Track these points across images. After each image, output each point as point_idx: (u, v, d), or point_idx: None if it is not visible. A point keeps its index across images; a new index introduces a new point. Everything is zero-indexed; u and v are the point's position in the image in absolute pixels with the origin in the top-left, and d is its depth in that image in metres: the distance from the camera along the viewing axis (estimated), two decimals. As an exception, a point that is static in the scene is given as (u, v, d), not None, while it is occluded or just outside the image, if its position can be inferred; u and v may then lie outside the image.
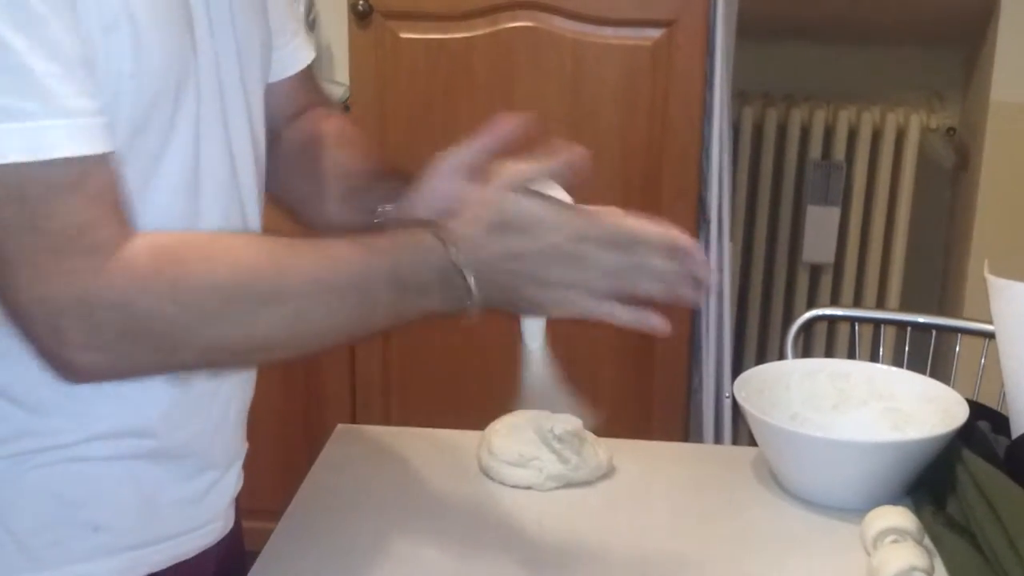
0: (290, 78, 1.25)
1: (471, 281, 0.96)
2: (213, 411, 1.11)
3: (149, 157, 0.97)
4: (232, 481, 1.17)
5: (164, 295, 0.90)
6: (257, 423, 1.22)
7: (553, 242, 0.98)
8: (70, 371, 0.92)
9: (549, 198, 1.00)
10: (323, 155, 1.24)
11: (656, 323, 1.03)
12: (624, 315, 1.02)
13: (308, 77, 1.29)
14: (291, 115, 1.27)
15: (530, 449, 1.31)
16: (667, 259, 1.01)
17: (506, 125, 1.06)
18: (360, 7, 2.37)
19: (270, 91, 1.21)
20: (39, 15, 0.85)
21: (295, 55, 1.25)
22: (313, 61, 1.29)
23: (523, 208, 0.98)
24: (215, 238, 0.97)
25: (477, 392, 2.40)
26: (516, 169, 1.01)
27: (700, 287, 1.03)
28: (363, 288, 0.96)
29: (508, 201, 0.99)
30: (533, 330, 1.11)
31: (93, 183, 0.88)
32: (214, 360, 0.99)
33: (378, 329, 1.00)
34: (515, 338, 1.11)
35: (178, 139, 0.98)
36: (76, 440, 1.01)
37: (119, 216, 0.91)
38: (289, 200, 1.26)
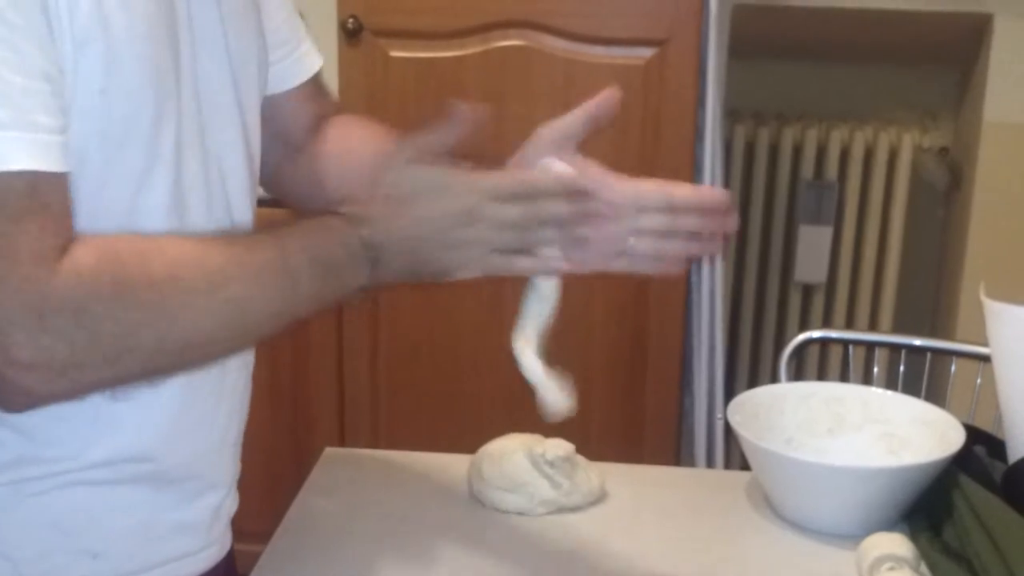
0: (300, 87, 1.25)
1: (366, 249, 0.99)
2: (213, 433, 1.11)
3: (134, 176, 0.96)
4: (230, 503, 1.17)
5: (110, 297, 0.89)
6: (245, 445, 1.21)
7: (455, 204, 1.01)
8: (18, 394, 0.89)
9: (443, 166, 1.03)
10: (356, 149, 1.25)
11: (559, 265, 1.07)
12: (526, 264, 1.06)
13: (318, 85, 1.29)
14: (309, 124, 1.27)
15: (521, 474, 1.30)
16: (565, 203, 1.04)
17: (605, 100, 1.11)
18: (350, 25, 2.37)
19: (281, 103, 1.22)
20: (11, 25, 0.85)
21: (301, 64, 1.26)
22: (321, 69, 1.29)
23: (416, 177, 1.02)
24: (153, 236, 0.97)
25: (467, 416, 2.39)
26: (408, 141, 1.04)
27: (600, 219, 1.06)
28: (285, 269, 0.97)
29: (402, 173, 1.02)
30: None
31: (45, 197, 0.88)
32: (159, 364, 0.96)
33: (306, 311, 1.01)
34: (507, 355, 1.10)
35: (161, 155, 0.98)
36: (74, 467, 1.01)
37: (68, 227, 0.90)
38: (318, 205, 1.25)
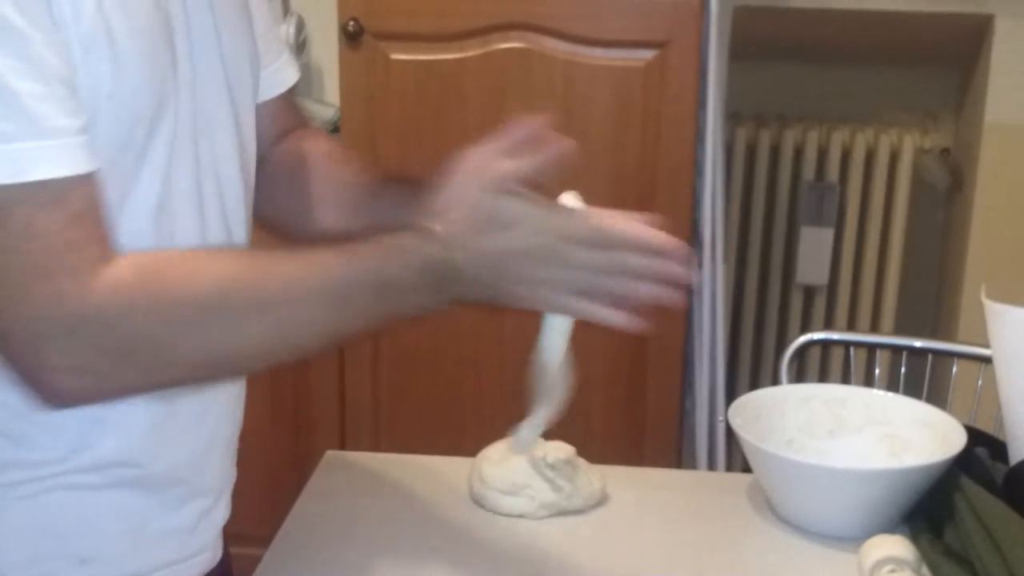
0: (275, 99, 1.25)
1: (461, 274, 0.97)
2: (200, 438, 1.10)
3: (125, 178, 0.96)
4: (222, 510, 1.16)
5: (148, 313, 0.90)
6: (245, 448, 1.21)
7: (536, 241, 0.99)
8: (52, 395, 0.91)
9: (532, 198, 1.01)
10: (313, 170, 1.24)
11: (632, 323, 1.04)
12: (602, 313, 1.03)
13: (292, 98, 1.29)
14: (276, 136, 1.26)
15: (522, 477, 1.30)
16: (646, 258, 1.02)
17: (525, 127, 1.06)
18: (351, 28, 2.37)
19: (258, 114, 1.20)
20: (21, 34, 0.84)
21: (280, 75, 1.25)
22: (296, 83, 1.29)
23: (507, 208, 0.99)
24: (196, 254, 0.97)
25: (468, 419, 2.39)
26: (501, 168, 1.01)
27: (682, 287, 1.04)
28: (346, 293, 0.96)
29: (492, 201, 1.00)
30: (554, 345, 1.11)
31: (75, 203, 0.88)
32: (201, 374, 0.99)
33: (364, 330, 1.01)
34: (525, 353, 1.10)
35: (151, 161, 0.98)
36: (60, 471, 1.00)
37: (101, 235, 0.90)
38: (275, 217, 1.25)
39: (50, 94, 0.86)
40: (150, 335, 0.90)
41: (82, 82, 0.89)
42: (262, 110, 1.22)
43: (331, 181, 1.24)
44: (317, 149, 1.26)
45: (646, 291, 1.02)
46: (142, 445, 1.04)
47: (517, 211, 0.99)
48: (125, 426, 1.02)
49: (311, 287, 0.95)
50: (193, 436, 1.09)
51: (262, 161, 1.22)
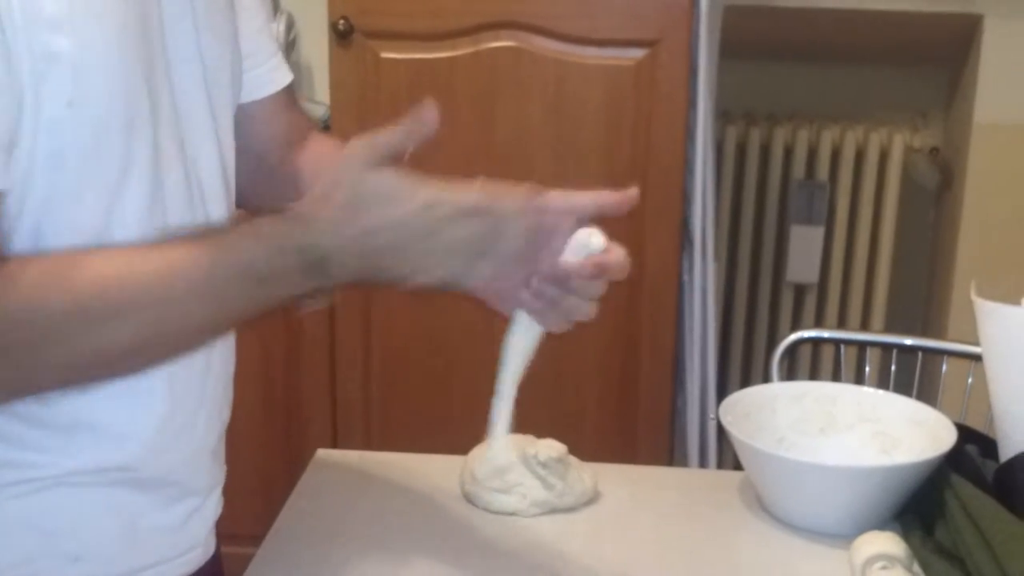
0: (270, 99, 1.24)
1: (329, 258, 0.95)
2: (194, 438, 1.11)
3: (108, 189, 0.96)
4: (212, 507, 1.17)
5: (14, 313, 0.89)
6: (237, 447, 1.21)
7: (405, 214, 0.96)
8: None
9: (400, 173, 0.98)
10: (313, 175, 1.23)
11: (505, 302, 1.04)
12: (478, 286, 1.01)
13: (289, 99, 1.28)
14: (282, 140, 1.26)
15: (514, 475, 1.30)
16: (522, 222, 0.99)
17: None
18: (341, 27, 2.36)
19: (250, 112, 1.20)
20: None
21: (272, 75, 1.25)
22: (292, 83, 1.28)
23: (373, 184, 0.96)
24: (71, 256, 0.95)
25: (459, 417, 2.39)
26: (364, 144, 0.99)
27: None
28: (216, 286, 0.94)
29: (358, 178, 0.97)
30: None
31: None
32: (71, 378, 0.97)
33: (241, 320, 0.99)
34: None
35: (137, 170, 0.97)
36: (55, 473, 1.00)
37: None
38: None
39: None
40: (17, 335, 0.89)
41: (34, 93, 0.89)
42: (258, 111, 1.22)
43: None
44: (320, 153, 1.25)
45: (527, 254, 1.00)
46: (140, 450, 1.04)
47: (384, 186, 0.96)
48: (124, 431, 1.02)
49: (182, 279, 0.93)
50: (188, 439, 1.10)
51: (277, 169, 1.23)
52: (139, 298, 0.92)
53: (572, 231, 1.06)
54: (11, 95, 0.88)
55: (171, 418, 1.06)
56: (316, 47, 2.65)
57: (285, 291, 0.97)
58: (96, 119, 0.93)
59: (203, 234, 0.96)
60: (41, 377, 0.93)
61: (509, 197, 1.00)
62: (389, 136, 0.98)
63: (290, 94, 1.28)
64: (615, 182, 1.03)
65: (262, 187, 1.23)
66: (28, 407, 0.97)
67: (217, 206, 1.09)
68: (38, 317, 0.90)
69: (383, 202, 0.96)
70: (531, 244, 1.00)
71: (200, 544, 1.15)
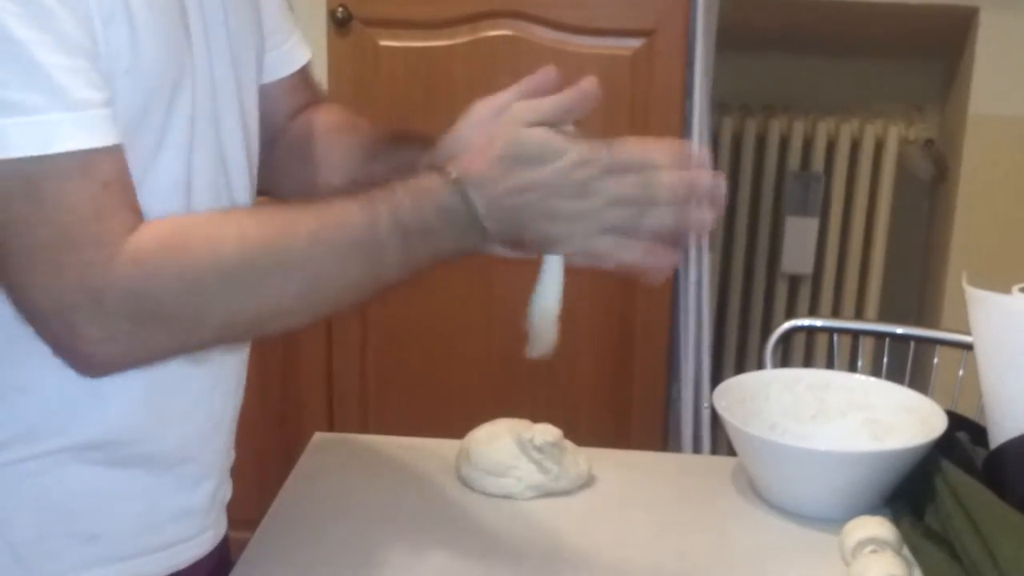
0: (287, 78, 1.26)
1: (480, 214, 0.95)
2: (209, 415, 1.12)
3: (145, 155, 0.97)
4: (225, 488, 1.17)
5: (173, 281, 0.90)
6: (235, 432, 1.21)
7: (559, 172, 0.95)
8: (88, 365, 0.92)
9: (554, 131, 0.97)
10: (321, 139, 1.24)
11: (667, 264, 0.99)
12: (633, 254, 0.98)
13: (305, 77, 1.29)
14: (290, 114, 1.27)
15: (509, 458, 1.31)
16: (675, 174, 0.97)
17: (545, 76, 1.04)
18: (339, 14, 2.37)
19: (268, 92, 1.22)
20: (46, 8, 0.85)
21: (291, 55, 1.26)
22: (309, 61, 1.29)
23: (527, 140, 0.96)
24: (216, 217, 0.97)
25: (456, 401, 2.40)
26: (524, 105, 0.99)
27: (711, 202, 0.98)
28: (368, 240, 0.94)
29: (513, 135, 0.97)
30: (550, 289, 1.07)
31: (102, 174, 0.88)
32: (230, 335, 0.99)
33: (393, 280, 0.98)
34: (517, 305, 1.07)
35: (172, 138, 0.99)
36: (65, 446, 1.01)
37: (129, 205, 0.91)
38: (288, 191, 1.25)
39: (75, 67, 0.86)
40: (176, 302, 0.90)
41: (102, 57, 0.90)
42: (275, 90, 1.23)
43: (338, 147, 1.23)
44: (326, 120, 1.26)
45: (678, 214, 0.97)
46: (146, 420, 1.04)
47: (537, 144, 0.96)
48: (122, 400, 1.02)
49: (334, 240, 0.94)
50: (203, 413, 1.10)
51: (276, 139, 1.23)
52: (295, 256, 0.93)
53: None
54: (98, 55, 0.89)
55: (182, 390, 1.06)
56: (314, 35, 2.65)
57: (433, 248, 0.97)
58: (146, 88, 0.94)
59: (358, 191, 0.96)
60: (198, 338, 0.94)
61: (658, 151, 0.98)
62: (552, 102, 0.98)
63: (307, 70, 1.29)
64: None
65: (264, 157, 1.23)
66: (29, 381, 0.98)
67: (240, 183, 1.10)
68: (201, 280, 0.90)
69: (535, 160, 0.95)
70: (682, 200, 0.97)
71: (213, 525, 1.16)
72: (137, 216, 0.91)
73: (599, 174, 0.95)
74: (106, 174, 0.89)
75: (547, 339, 1.07)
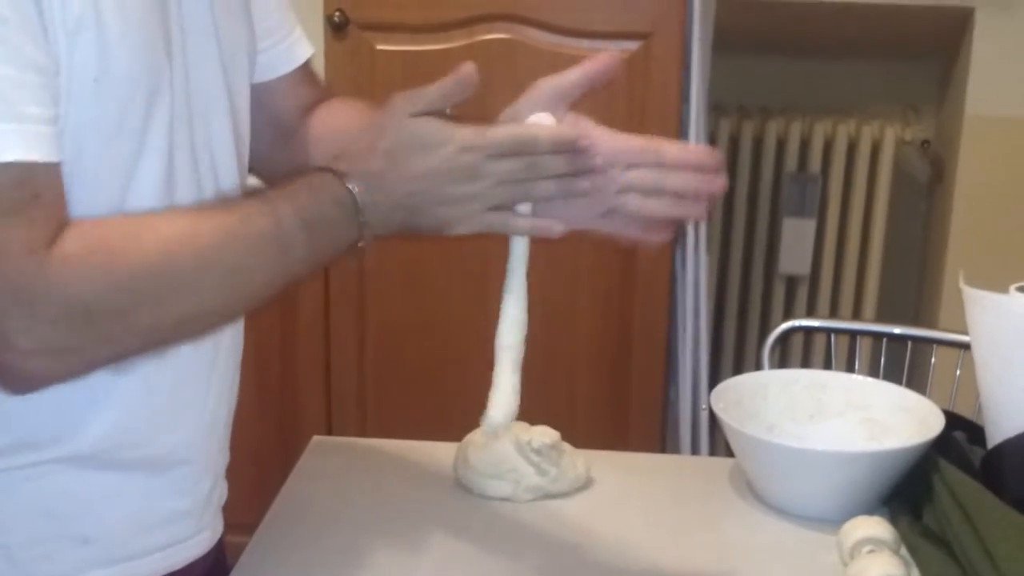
0: (291, 74, 1.26)
1: (360, 206, 0.98)
2: (203, 417, 1.11)
3: (124, 164, 0.97)
4: (220, 490, 1.17)
5: (100, 281, 0.90)
6: (232, 434, 1.21)
7: (443, 158, 0.99)
8: (17, 379, 0.92)
9: (438, 118, 1.01)
10: (343, 130, 1.24)
11: (553, 228, 1.05)
12: (522, 225, 1.04)
13: (309, 73, 1.29)
14: (300, 111, 1.27)
15: (508, 461, 1.31)
16: (559, 157, 1.02)
17: (598, 65, 1.08)
18: (336, 19, 2.37)
19: (272, 89, 1.22)
20: (2, 19, 0.85)
21: (292, 51, 1.26)
22: (310, 57, 1.30)
23: (410, 130, 1.00)
24: (138, 219, 0.97)
25: (454, 403, 2.40)
26: (407, 97, 1.02)
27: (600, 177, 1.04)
28: (275, 234, 0.97)
29: (399, 125, 1.00)
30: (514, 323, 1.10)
31: (35, 187, 0.88)
32: (159, 338, 0.98)
33: (302, 273, 1.01)
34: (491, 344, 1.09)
35: (152, 143, 0.99)
36: (63, 454, 1.01)
37: (58, 218, 0.91)
38: None
39: (24, 81, 0.87)
40: (105, 302, 0.90)
41: (67, 67, 0.90)
42: (279, 86, 1.24)
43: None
44: (345, 113, 1.27)
45: (564, 190, 1.03)
46: (141, 425, 1.04)
47: (430, 132, 1.00)
48: (118, 406, 1.02)
49: (243, 234, 0.96)
50: (198, 415, 1.10)
51: (290, 136, 1.24)
52: (212, 251, 0.94)
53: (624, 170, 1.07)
54: (52, 71, 0.89)
55: (176, 393, 1.06)
56: (311, 38, 2.62)
57: (343, 241, 1.00)
58: (119, 95, 0.94)
59: (263, 191, 0.99)
60: (127, 343, 0.95)
61: (547, 133, 1.02)
62: (430, 92, 1.01)
63: (309, 66, 1.29)
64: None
65: (279, 157, 1.25)
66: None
67: (229, 184, 1.10)
68: (127, 277, 0.91)
69: (422, 148, 0.99)
70: (575, 177, 1.03)
71: (208, 527, 1.16)
72: (63, 223, 0.91)
73: (485, 157, 1.00)
74: (39, 187, 0.89)
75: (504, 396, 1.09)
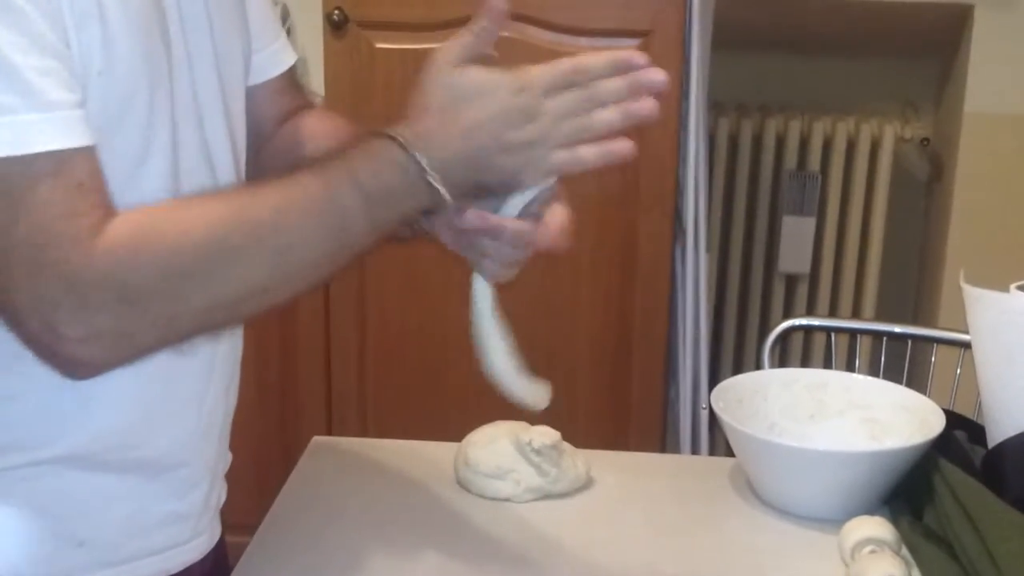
0: (273, 81, 1.25)
1: (429, 169, 0.94)
2: (200, 419, 1.11)
3: (130, 160, 0.97)
4: (218, 493, 1.17)
5: (150, 267, 0.89)
6: (232, 435, 1.21)
7: (497, 105, 0.95)
8: (72, 366, 0.91)
9: (486, 66, 0.97)
10: (308, 147, 1.23)
11: (624, 148, 1.00)
12: (592, 154, 0.99)
13: (291, 80, 1.29)
14: (278, 118, 1.27)
15: (508, 461, 1.31)
16: (616, 80, 0.98)
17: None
18: (335, 17, 2.37)
19: (254, 95, 1.21)
20: (18, 9, 0.85)
21: (276, 58, 1.25)
22: (296, 64, 1.29)
23: (456, 82, 0.96)
24: (183, 202, 0.96)
25: (454, 404, 2.40)
26: (447, 48, 0.99)
27: (655, 94, 1.00)
28: (331, 208, 0.94)
29: (446, 80, 0.97)
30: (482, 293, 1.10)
31: (75, 174, 0.88)
32: (212, 320, 0.96)
33: (362, 246, 0.97)
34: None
35: (157, 142, 0.99)
36: (57, 455, 1.01)
37: (102, 203, 0.91)
38: None
39: (48, 68, 0.87)
40: (155, 288, 0.90)
41: (75, 58, 0.90)
42: (260, 92, 1.22)
43: (317, 144, 1.22)
44: (313, 128, 1.25)
45: (625, 112, 0.99)
46: (135, 425, 1.04)
47: (479, 80, 0.96)
48: (111, 407, 1.02)
49: (298, 209, 0.93)
50: (194, 417, 1.10)
51: (263, 145, 1.23)
52: (264, 227, 0.92)
53: None
54: (71, 57, 0.89)
55: (172, 394, 1.06)
56: (311, 37, 2.65)
57: (408, 209, 0.97)
58: (122, 88, 0.94)
59: (319, 162, 0.96)
60: (181, 326, 0.93)
61: (597, 56, 0.98)
62: (466, 38, 0.98)
63: (293, 74, 1.29)
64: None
65: (250, 163, 1.22)
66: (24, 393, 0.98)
67: (227, 184, 1.10)
68: (176, 262, 0.90)
69: (474, 98, 0.95)
70: (635, 102, 0.99)
71: (205, 531, 1.15)
72: (111, 213, 0.91)
73: (540, 95, 0.96)
74: (79, 174, 0.88)
75: (528, 392, 1.10)
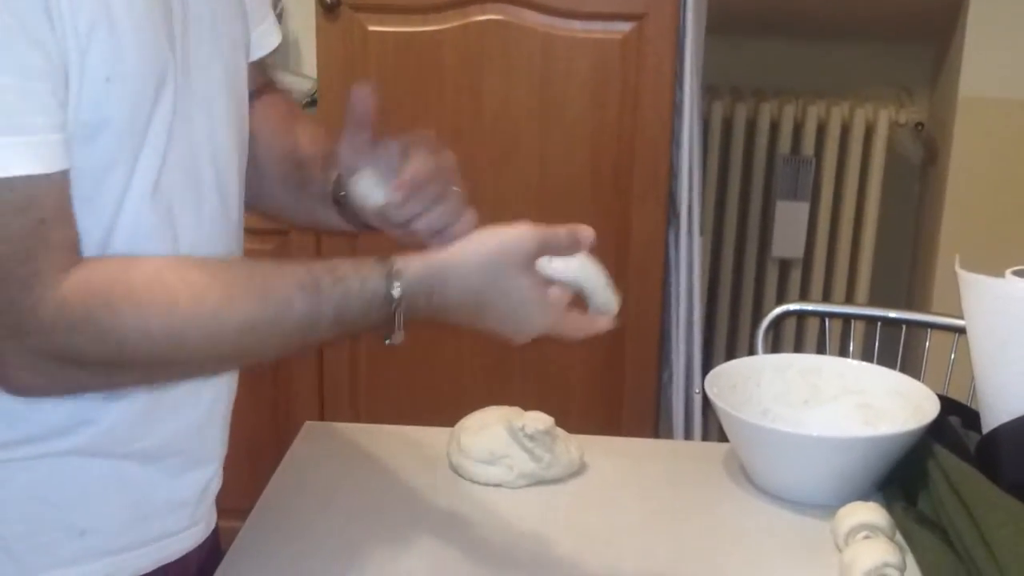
0: (254, 62, 1.23)
1: (405, 315, 1.04)
2: (199, 409, 1.11)
3: (127, 161, 0.96)
4: (216, 482, 1.17)
5: (95, 339, 0.91)
6: (225, 422, 1.21)
7: (521, 316, 1.06)
8: (14, 390, 0.94)
9: (535, 281, 1.04)
10: (261, 143, 1.23)
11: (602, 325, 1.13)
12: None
13: (265, 60, 1.28)
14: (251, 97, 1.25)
15: (501, 447, 1.31)
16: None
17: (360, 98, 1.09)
18: (328, 0, 2.35)
19: None
20: (4, 27, 0.84)
21: (262, 40, 1.25)
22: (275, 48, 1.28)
23: (516, 285, 1.04)
24: (151, 277, 0.95)
25: (447, 389, 2.40)
26: (525, 238, 1.05)
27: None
28: (304, 332, 0.99)
29: (503, 282, 1.04)
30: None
31: (39, 208, 0.88)
32: (154, 380, 1.01)
33: (315, 347, 1.06)
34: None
35: (151, 139, 0.98)
36: (63, 448, 1.01)
37: (62, 242, 0.91)
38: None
39: (26, 90, 0.85)
40: (97, 356, 0.92)
41: (79, 69, 0.89)
42: None
43: (273, 154, 1.23)
44: (267, 119, 1.25)
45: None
46: (143, 416, 1.04)
47: (518, 293, 1.04)
48: (131, 397, 1.02)
49: (269, 331, 0.97)
50: (192, 407, 1.10)
51: None
52: (226, 340, 0.96)
53: None
54: (61, 74, 0.88)
55: (176, 387, 1.06)
56: (303, 20, 2.64)
57: (361, 329, 1.03)
58: (130, 94, 0.94)
59: (306, 269, 0.99)
60: (117, 384, 0.99)
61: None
62: (561, 236, 1.09)
63: (269, 58, 1.28)
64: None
65: None
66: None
67: (231, 176, 1.10)
68: (122, 344, 0.92)
69: (519, 306, 1.05)
70: None
71: (203, 518, 1.15)
72: (72, 254, 0.91)
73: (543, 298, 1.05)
74: (44, 208, 0.88)
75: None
